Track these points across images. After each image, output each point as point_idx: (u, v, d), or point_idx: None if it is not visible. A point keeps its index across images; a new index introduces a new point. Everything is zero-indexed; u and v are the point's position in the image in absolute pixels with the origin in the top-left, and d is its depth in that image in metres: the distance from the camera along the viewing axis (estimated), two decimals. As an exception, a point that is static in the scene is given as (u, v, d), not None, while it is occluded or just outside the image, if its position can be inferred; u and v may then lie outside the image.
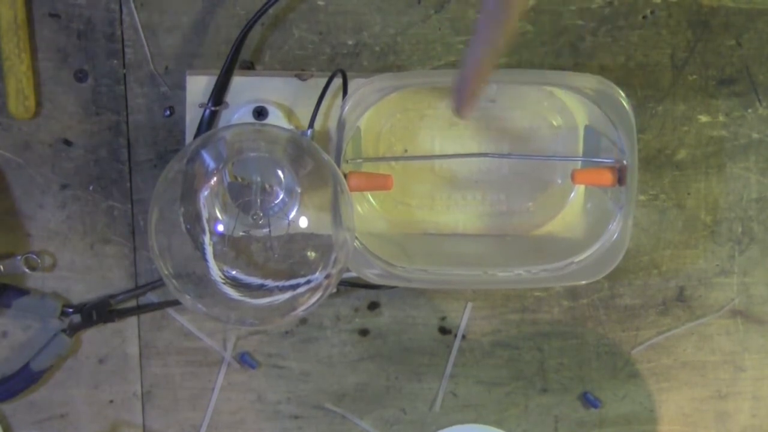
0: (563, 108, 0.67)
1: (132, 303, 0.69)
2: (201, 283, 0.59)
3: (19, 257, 0.67)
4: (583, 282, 0.63)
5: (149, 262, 0.68)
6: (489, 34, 0.45)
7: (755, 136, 0.70)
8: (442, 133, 0.68)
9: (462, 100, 0.49)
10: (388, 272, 0.63)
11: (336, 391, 0.72)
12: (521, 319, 0.72)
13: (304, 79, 0.63)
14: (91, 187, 0.67)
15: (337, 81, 0.62)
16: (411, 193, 0.69)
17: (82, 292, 0.69)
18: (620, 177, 0.62)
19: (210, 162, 0.59)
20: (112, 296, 0.69)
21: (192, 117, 0.63)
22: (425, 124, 0.67)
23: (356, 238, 0.61)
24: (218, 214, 0.59)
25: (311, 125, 0.62)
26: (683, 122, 0.69)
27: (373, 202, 0.69)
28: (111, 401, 0.71)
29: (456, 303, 0.71)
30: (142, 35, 0.65)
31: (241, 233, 0.59)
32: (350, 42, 0.66)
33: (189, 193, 0.59)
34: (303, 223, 0.60)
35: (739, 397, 0.74)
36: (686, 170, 0.70)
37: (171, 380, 0.71)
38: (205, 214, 0.59)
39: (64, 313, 0.68)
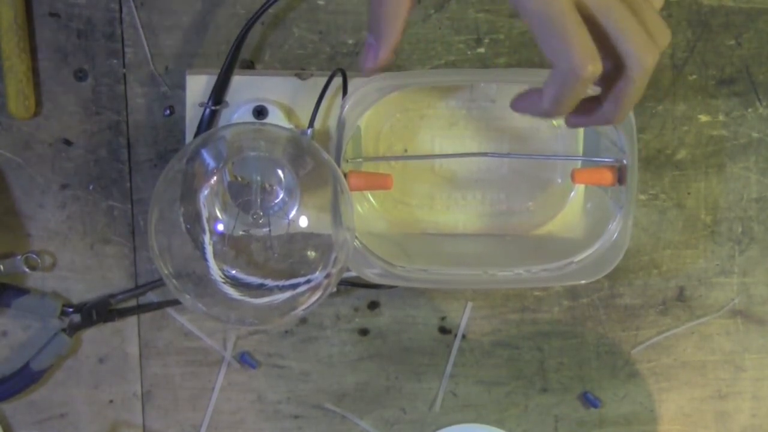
0: (563, 108, 0.67)
1: (132, 303, 0.69)
2: (201, 283, 0.59)
3: (19, 257, 0.67)
4: (583, 282, 0.63)
5: (149, 262, 0.68)
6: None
7: (755, 135, 0.70)
8: (442, 133, 0.68)
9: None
10: (388, 272, 0.63)
11: (336, 391, 0.72)
12: (521, 318, 0.72)
13: (304, 79, 0.63)
14: (91, 187, 0.67)
15: (337, 80, 0.62)
16: (411, 192, 0.69)
17: (82, 291, 0.69)
18: (620, 177, 0.62)
19: (210, 161, 0.59)
20: (112, 296, 0.69)
21: (192, 116, 0.63)
22: (425, 124, 0.67)
23: (356, 237, 0.61)
24: (218, 214, 0.59)
25: (311, 124, 0.62)
26: (683, 122, 0.69)
27: (373, 201, 0.69)
28: (111, 401, 0.71)
29: (456, 303, 0.71)
30: (142, 35, 0.65)
31: (241, 233, 0.59)
32: (350, 41, 0.66)
33: (189, 193, 0.59)
34: (303, 222, 0.60)
35: (739, 397, 0.74)
36: (686, 170, 0.70)
37: (171, 380, 0.71)
38: (205, 214, 0.59)
39: (64, 313, 0.68)
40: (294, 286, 0.59)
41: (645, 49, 0.44)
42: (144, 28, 0.65)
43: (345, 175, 0.60)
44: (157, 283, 0.69)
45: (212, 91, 0.62)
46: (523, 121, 0.68)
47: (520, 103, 0.49)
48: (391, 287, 0.70)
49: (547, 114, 0.46)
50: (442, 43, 0.67)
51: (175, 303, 0.69)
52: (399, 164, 0.68)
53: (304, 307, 0.60)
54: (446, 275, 0.64)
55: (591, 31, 0.44)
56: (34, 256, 0.68)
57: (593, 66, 0.43)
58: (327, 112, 0.63)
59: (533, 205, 0.69)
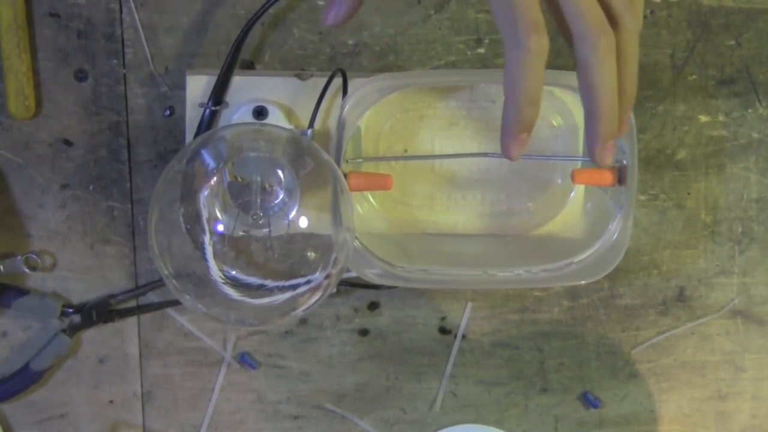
0: (563, 108, 0.67)
1: (132, 303, 0.69)
2: (201, 283, 0.59)
3: (19, 257, 0.67)
4: (583, 282, 0.63)
5: (149, 262, 0.68)
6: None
7: (755, 136, 0.70)
8: (442, 133, 0.68)
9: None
10: (388, 272, 0.63)
11: (336, 391, 0.72)
12: (521, 319, 0.72)
13: (304, 79, 0.63)
14: (91, 187, 0.67)
15: (337, 81, 0.62)
16: (411, 193, 0.69)
17: (82, 292, 0.69)
18: (620, 177, 0.62)
19: (210, 162, 0.59)
20: (112, 296, 0.69)
21: (192, 117, 0.63)
22: (425, 124, 0.67)
23: (356, 238, 0.61)
24: (218, 214, 0.59)
25: (311, 125, 0.62)
26: (683, 122, 0.69)
27: (373, 202, 0.69)
28: (111, 401, 0.71)
29: (456, 303, 0.71)
30: (142, 35, 0.65)
31: (241, 233, 0.59)
32: (350, 42, 0.66)
33: (189, 193, 0.59)
34: (303, 223, 0.60)
35: (739, 397, 0.74)
36: (686, 170, 0.70)
37: (171, 380, 0.71)
38: (205, 214, 0.59)
39: (64, 313, 0.68)
40: (294, 287, 0.59)
41: (597, 30, 0.43)
42: (144, 28, 0.65)
43: (345, 176, 0.60)
44: (157, 284, 0.69)
45: (212, 92, 0.62)
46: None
47: (503, 142, 0.46)
48: (391, 287, 0.70)
49: (520, 111, 0.44)
50: (442, 44, 0.67)
51: (175, 303, 0.69)
52: (399, 164, 0.68)
53: (304, 307, 0.60)
54: (446, 275, 0.64)
55: (556, 17, 0.43)
56: (34, 256, 0.68)
57: (537, 36, 0.42)
58: (327, 112, 0.63)
59: (533, 205, 0.69)
